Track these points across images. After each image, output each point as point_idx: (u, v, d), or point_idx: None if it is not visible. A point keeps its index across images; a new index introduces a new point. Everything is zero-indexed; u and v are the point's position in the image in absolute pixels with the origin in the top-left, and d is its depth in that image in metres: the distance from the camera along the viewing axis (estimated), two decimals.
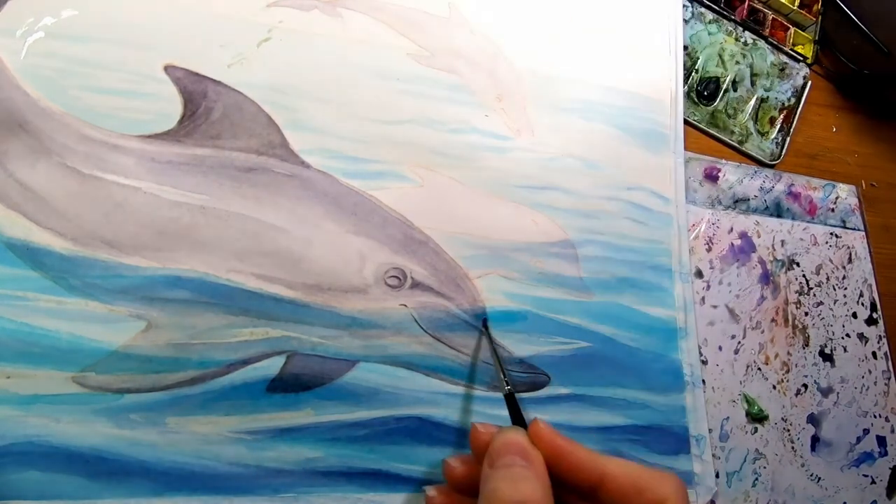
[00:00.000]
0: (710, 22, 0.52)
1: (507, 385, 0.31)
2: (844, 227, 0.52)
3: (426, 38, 0.41)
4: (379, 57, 0.40)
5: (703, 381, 0.42)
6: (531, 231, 0.40)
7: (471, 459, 0.29)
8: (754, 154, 0.51)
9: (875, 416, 0.47)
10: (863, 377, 0.47)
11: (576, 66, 0.45)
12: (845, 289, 0.50)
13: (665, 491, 0.25)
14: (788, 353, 0.46)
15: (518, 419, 0.29)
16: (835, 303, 0.49)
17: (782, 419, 0.44)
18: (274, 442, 0.32)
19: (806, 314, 0.48)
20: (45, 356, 0.29)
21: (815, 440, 0.44)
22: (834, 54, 0.56)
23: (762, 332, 0.46)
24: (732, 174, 0.49)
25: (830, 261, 0.50)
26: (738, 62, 0.52)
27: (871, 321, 0.49)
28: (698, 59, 0.51)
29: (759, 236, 0.48)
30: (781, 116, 0.53)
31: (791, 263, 0.48)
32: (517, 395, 0.31)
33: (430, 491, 0.31)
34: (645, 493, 0.25)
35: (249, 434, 0.31)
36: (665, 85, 0.47)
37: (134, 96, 0.34)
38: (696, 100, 0.50)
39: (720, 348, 0.44)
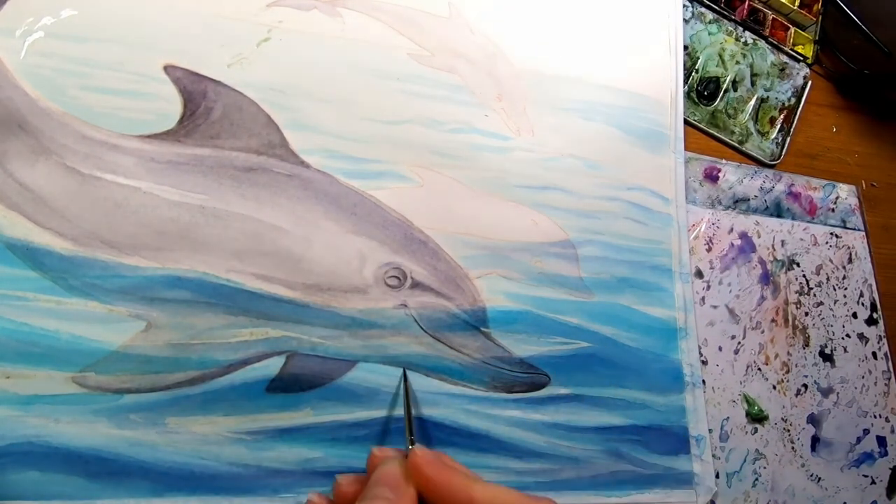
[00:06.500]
0: (710, 22, 0.52)
1: (411, 444, 0.30)
2: (844, 227, 0.52)
3: (426, 38, 0.41)
4: (379, 57, 0.40)
5: (703, 381, 0.42)
6: (531, 231, 0.40)
7: (364, 480, 0.28)
8: (754, 154, 0.51)
9: (875, 417, 0.47)
10: (863, 377, 0.47)
11: (576, 66, 0.45)
12: (845, 289, 0.50)
13: None
14: (788, 353, 0.46)
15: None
16: (835, 303, 0.49)
17: (782, 419, 0.44)
18: (274, 442, 0.32)
19: (806, 314, 0.47)
20: (44, 356, 0.29)
21: (815, 440, 0.44)
22: (834, 54, 0.56)
23: (762, 332, 0.46)
24: (732, 174, 0.49)
25: (830, 261, 0.50)
26: (738, 62, 0.52)
27: (871, 321, 0.49)
28: (698, 59, 0.51)
29: (759, 236, 0.48)
30: (781, 116, 0.53)
31: (791, 263, 0.48)
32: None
33: (314, 497, 0.29)
34: None
35: (249, 434, 0.31)
36: (665, 85, 0.47)
37: (134, 96, 0.34)
38: (696, 100, 0.50)
39: (720, 348, 0.44)
